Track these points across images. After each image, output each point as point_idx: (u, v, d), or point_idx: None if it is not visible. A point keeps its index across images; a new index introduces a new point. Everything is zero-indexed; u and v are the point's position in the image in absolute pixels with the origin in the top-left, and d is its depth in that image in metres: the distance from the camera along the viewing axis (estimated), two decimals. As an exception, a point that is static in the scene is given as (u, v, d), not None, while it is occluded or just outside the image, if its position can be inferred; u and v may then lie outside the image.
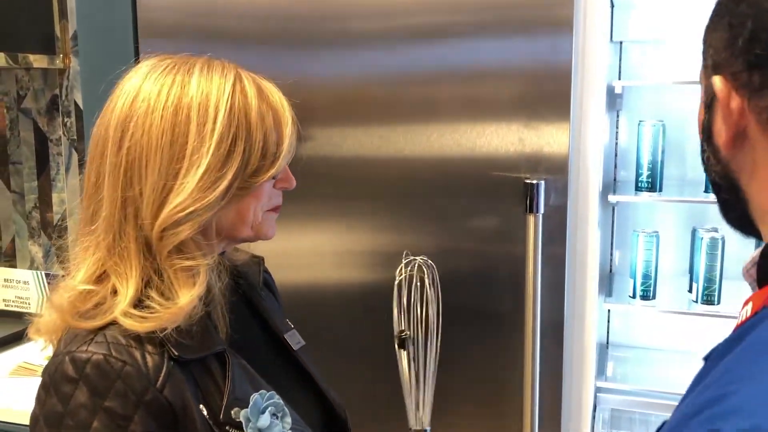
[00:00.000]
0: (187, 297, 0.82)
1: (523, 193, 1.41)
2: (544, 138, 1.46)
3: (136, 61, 0.93)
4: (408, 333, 1.05)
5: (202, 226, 0.85)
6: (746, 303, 0.62)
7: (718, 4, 0.63)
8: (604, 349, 2.23)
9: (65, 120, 2.50)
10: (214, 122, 0.84)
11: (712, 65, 0.62)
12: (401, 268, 1.18)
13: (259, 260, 1.08)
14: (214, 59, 0.91)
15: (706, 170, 0.68)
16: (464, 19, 1.47)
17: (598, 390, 2.00)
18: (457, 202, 1.54)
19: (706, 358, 0.62)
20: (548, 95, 1.44)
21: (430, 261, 1.20)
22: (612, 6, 1.99)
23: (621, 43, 2.10)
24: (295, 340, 1.02)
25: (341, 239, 1.63)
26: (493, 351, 1.56)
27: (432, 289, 1.13)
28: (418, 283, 1.17)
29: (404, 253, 1.29)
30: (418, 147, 1.53)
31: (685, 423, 0.53)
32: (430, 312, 1.16)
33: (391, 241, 1.59)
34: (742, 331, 0.58)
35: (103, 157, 0.86)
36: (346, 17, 1.54)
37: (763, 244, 0.62)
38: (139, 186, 0.83)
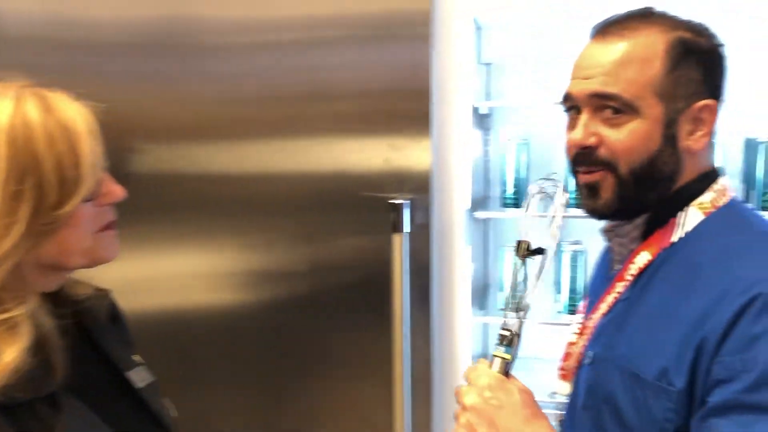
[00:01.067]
0: (10, 353, 0.75)
1: (388, 212, 1.42)
2: (408, 157, 1.47)
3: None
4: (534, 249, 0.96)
5: (7, 275, 0.77)
6: (636, 253, 0.90)
7: (680, 48, 0.86)
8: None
9: None
10: None
11: (688, 93, 0.86)
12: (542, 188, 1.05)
13: (105, 293, 0.99)
14: None
15: (656, 168, 0.87)
16: (326, 35, 1.46)
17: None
18: (326, 220, 1.53)
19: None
20: (410, 114, 1.45)
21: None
22: (478, 28, 2.06)
23: (489, 64, 2.17)
24: (140, 377, 0.95)
25: (208, 260, 1.58)
26: (362, 369, 1.55)
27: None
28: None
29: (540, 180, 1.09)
30: (285, 164, 1.51)
31: (707, 314, 0.79)
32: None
33: (260, 261, 1.56)
34: (653, 270, 0.88)
35: None
36: (205, 31, 1.50)
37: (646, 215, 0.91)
38: None
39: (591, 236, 1.43)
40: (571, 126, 0.92)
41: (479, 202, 2.15)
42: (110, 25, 1.51)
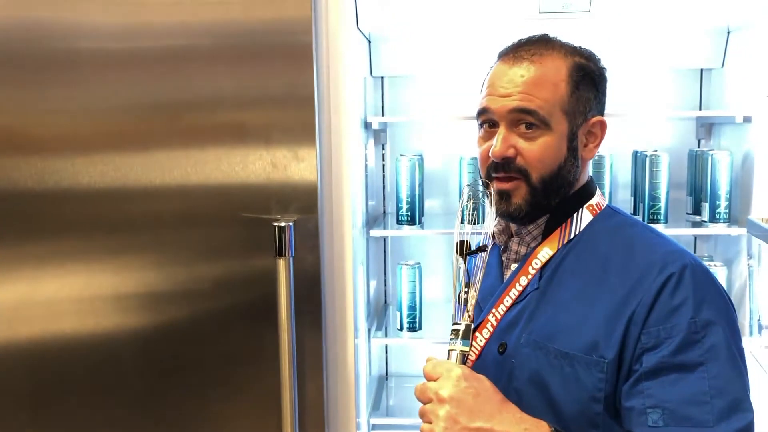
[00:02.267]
0: None
1: (272, 236, 1.34)
2: (294, 174, 1.40)
3: None
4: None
5: None
6: (539, 250, 1.02)
7: (579, 72, 1.00)
8: (383, 381, 2.24)
9: None
10: None
11: (584, 110, 1.00)
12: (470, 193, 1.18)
13: None
14: None
15: (561, 175, 0.99)
16: (202, 42, 1.38)
17: (373, 427, 1.99)
18: (206, 239, 1.43)
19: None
20: (295, 128, 1.39)
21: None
22: (369, 41, 2.02)
23: (382, 78, 2.14)
24: None
25: (78, 283, 1.45)
26: (250, 398, 1.47)
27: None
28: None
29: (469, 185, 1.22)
30: (162, 179, 1.41)
31: (630, 293, 0.93)
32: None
33: (135, 283, 1.45)
34: (556, 263, 1.00)
35: None
36: (74, 36, 1.38)
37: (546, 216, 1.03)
38: None
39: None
40: (486, 138, 1.01)
41: (376, 220, 2.11)
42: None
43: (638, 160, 1.90)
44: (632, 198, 1.95)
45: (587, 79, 1.00)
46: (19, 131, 1.42)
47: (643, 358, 0.89)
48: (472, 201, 1.24)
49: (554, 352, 0.94)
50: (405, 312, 1.86)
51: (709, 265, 1.84)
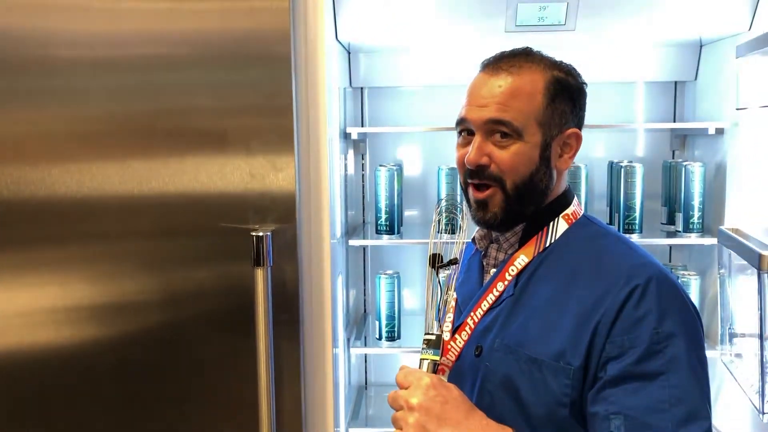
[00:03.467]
0: None
1: (250, 245, 1.34)
2: (272, 183, 1.41)
3: None
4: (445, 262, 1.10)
5: None
6: (516, 257, 1.04)
7: (556, 85, 1.03)
8: (362, 391, 2.24)
9: None
10: None
11: (561, 122, 1.03)
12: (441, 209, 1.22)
13: None
14: None
15: (533, 184, 1.02)
16: (180, 51, 1.38)
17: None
18: (182, 248, 1.43)
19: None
20: (273, 138, 1.39)
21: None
22: (348, 52, 2.03)
23: (362, 89, 2.15)
24: None
25: (54, 293, 1.44)
26: (227, 405, 1.46)
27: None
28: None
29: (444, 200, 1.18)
30: (136, 186, 1.40)
31: (597, 303, 0.95)
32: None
33: (112, 292, 1.44)
34: (530, 271, 1.03)
35: None
36: (50, 44, 1.38)
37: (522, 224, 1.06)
38: None
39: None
40: (464, 145, 1.05)
41: (355, 229, 2.11)
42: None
43: (614, 170, 1.93)
44: (608, 208, 1.98)
45: (564, 92, 1.03)
46: None
47: (607, 366, 0.92)
48: (446, 214, 1.29)
49: (524, 358, 0.98)
50: (384, 321, 1.86)
51: (683, 275, 1.87)
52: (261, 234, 1.34)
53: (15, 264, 1.42)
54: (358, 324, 2.17)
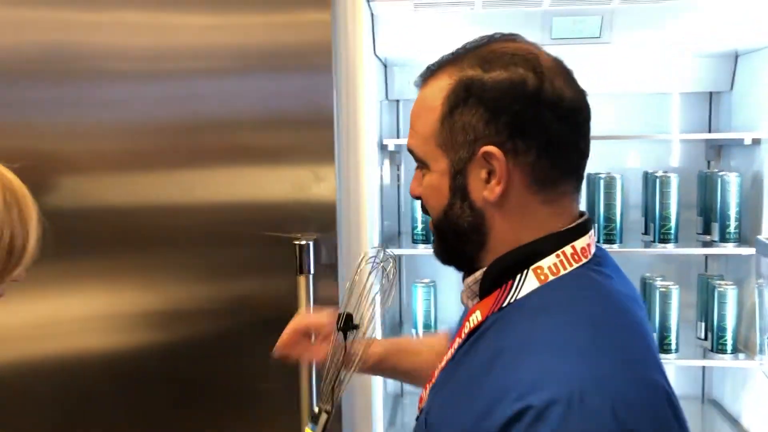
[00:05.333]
0: None
1: (292, 254, 1.39)
2: (314, 194, 1.45)
3: None
4: (356, 323, 0.97)
5: None
6: (473, 311, 0.82)
7: (459, 92, 0.78)
8: (398, 399, 2.26)
9: None
10: None
11: (469, 140, 0.77)
12: (370, 259, 1.04)
13: None
14: None
15: (452, 222, 0.81)
16: (225, 65, 1.44)
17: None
18: (228, 256, 1.48)
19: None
20: (315, 152, 1.44)
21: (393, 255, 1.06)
22: (384, 66, 2.08)
23: (398, 101, 2.19)
24: None
25: (105, 300, 1.50)
26: (268, 410, 1.50)
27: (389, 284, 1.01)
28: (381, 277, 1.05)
29: (373, 250, 1.14)
30: (186, 198, 1.46)
31: (488, 411, 0.70)
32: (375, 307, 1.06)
33: (160, 300, 1.49)
34: (478, 334, 0.80)
35: None
36: (102, 58, 1.44)
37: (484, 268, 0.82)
38: None
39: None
40: None
41: (391, 239, 2.15)
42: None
43: (649, 181, 1.94)
44: (643, 218, 1.98)
45: (472, 98, 0.76)
46: (49, 152, 1.47)
47: None
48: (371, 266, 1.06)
49: None
50: (420, 330, 1.89)
51: (719, 285, 1.87)
52: (303, 242, 1.38)
53: (71, 272, 1.48)
54: (394, 333, 2.20)
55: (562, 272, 0.78)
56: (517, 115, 0.76)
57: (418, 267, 2.17)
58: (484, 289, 0.81)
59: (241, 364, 1.50)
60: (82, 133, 1.48)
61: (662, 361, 0.79)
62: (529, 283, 0.78)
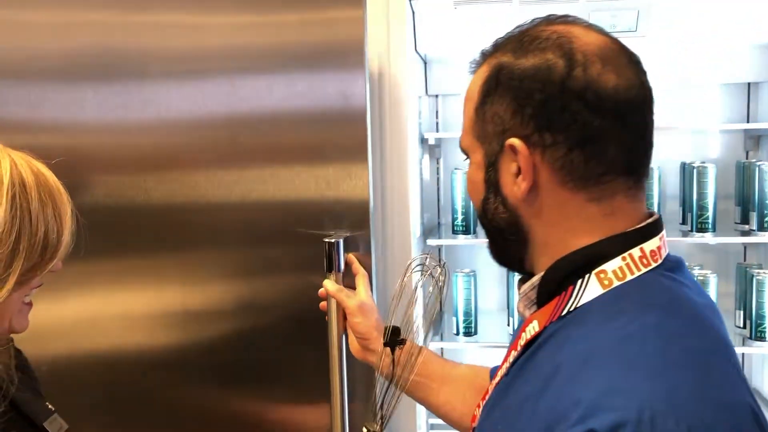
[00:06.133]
0: None
1: (323, 251, 1.34)
2: (347, 190, 1.42)
3: None
4: (403, 337, 0.94)
5: None
6: (529, 321, 0.77)
7: (491, 80, 0.74)
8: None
9: None
10: None
11: (498, 131, 0.73)
12: (417, 267, 1.00)
13: (7, 343, 0.92)
14: None
15: (489, 218, 0.78)
16: (257, 64, 1.44)
17: (432, 427, 2.08)
18: (261, 254, 1.46)
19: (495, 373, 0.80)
20: (348, 146, 1.41)
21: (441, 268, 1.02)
22: (425, 62, 2.13)
23: (437, 96, 2.24)
24: (56, 426, 0.93)
25: (147, 298, 1.51)
26: (300, 414, 1.52)
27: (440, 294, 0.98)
28: (429, 288, 1.02)
29: (420, 258, 1.11)
30: (224, 196, 1.46)
31: None
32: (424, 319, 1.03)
33: (201, 297, 1.50)
34: (536, 346, 0.74)
35: None
36: (145, 63, 1.47)
37: (541, 274, 0.76)
38: None
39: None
40: None
41: (431, 230, 2.21)
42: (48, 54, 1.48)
43: (686, 171, 1.96)
44: (680, 208, 2.01)
45: (501, 86, 0.73)
46: (97, 151, 1.51)
47: None
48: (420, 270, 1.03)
49: None
50: (461, 318, 1.95)
51: (758, 273, 1.89)
52: (333, 240, 1.35)
53: (113, 269, 1.51)
54: (434, 322, 2.26)
55: (629, 277, 0.71)
56: (542, 105, 0.70)
57: (457, 257, 2.22)
58: (542, 297, 0.75)
59: (275, 361, 1.49)
60: (124, 132, 1.49)
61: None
62: (591, 288, 0.71)
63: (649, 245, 0.72)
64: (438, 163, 2.29)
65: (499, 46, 0.77)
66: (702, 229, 1.89)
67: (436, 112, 2.26)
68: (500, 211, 0.76)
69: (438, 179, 2.29)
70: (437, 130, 2.25)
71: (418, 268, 0.97)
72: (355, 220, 1.42)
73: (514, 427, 0.71)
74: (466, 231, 1.94)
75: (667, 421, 0.58)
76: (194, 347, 1.52)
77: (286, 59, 1.45)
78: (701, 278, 1.90)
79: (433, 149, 2.25)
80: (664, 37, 1.84)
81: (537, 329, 0.74)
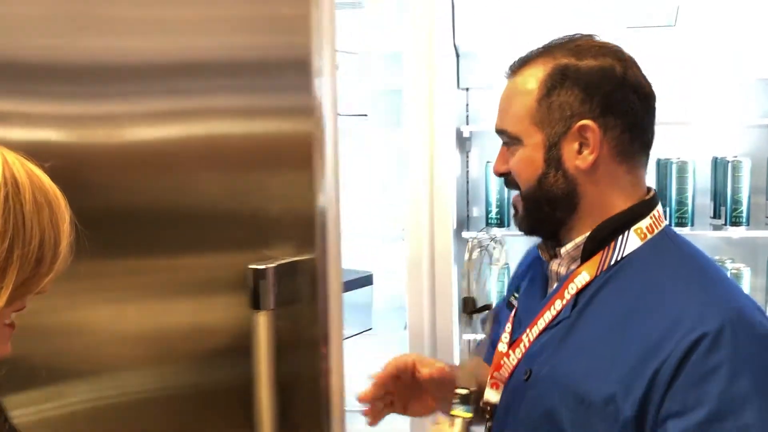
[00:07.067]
0: None
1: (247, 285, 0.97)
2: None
3: None
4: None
5: None
6: (577, 273, 0.92)
7: (556, 76, 0.91)
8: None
9: None
10: None
11: (566, 116, 0.91)
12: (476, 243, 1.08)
13: None
14: None
15: (545, 190, 0.93)
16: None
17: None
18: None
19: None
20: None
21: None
22: (457, 56, 2.14)
23: (468, 89, 2.26)
24: None
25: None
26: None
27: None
28: None
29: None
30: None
31: (653, 349, 0.82)
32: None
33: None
34: (593, 292, 0.90)
35: None
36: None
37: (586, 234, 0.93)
38: None
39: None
40: None
41: (462, 223, 2.22)
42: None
43: (719, 165, 1.97)
44: (712, 202, 2.02)
45: (568, 81, 0.91)
46: (144, 150, 1.47)
47: (667, 423, 0.80)
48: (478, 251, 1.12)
49: (571, 394, 0.88)
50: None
51: (791, 266, 1.91)
52: (261, 267, 0.94)
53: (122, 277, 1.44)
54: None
55: (656, 231, 0.92)
56: (608, 95, 0.90)
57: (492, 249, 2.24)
58: (586, 253, 0.92)
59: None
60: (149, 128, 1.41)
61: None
62: (632, 241, 0.91)
63: (659, 208, 0.95)
64: (468, 156, 2.30)
65: (545, 54, 0.94)
66: (736, 223, 1.90)
67: (467, 104, 2.28)
68: (560, 183, 0.92)
69: (467, 173, 2.31)
70: (467, 123, 2.27)
71: (477, 246, 1.03)
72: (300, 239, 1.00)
73: (602, 351, 0.86)
74: (501, 224, 1.95)
75: (754, 314, 0.84)
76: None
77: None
78: (735, 271, 1.91)
79: (464, 142, 2.26)
80: (700, 31, 1.85)
81: (588, 278, 0.91)
